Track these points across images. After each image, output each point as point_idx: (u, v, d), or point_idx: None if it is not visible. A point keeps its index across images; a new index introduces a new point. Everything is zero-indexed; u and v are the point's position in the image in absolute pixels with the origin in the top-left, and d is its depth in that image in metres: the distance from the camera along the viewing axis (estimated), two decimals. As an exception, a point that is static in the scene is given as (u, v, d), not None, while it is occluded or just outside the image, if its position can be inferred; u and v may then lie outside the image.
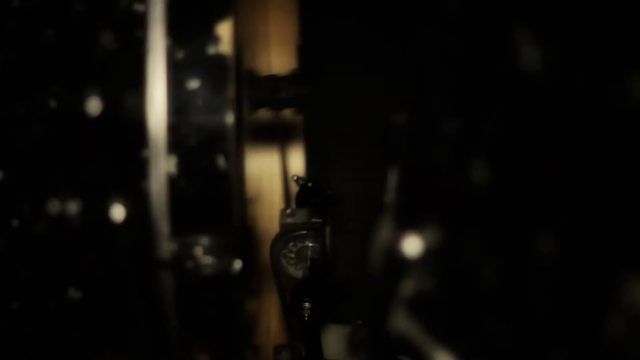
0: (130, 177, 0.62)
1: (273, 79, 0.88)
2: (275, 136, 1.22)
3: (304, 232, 0.98)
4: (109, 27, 0.63)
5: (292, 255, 1.00)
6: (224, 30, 0.63)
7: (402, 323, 0.51)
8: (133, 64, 0.63)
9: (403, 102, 0.50)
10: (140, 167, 0.62)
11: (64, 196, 0.62)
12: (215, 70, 0.63)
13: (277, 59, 1.22)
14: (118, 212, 0.62)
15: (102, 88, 0.62)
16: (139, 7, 0.64)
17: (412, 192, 0.48)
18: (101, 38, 0.63)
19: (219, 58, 0.63)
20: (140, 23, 0.64)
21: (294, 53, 1.21)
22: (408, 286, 0.50)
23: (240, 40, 1.11)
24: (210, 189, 0.63)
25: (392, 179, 0.52)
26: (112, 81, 0.62)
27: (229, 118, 0.62)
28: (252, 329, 1.18)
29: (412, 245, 0.49)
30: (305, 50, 1.18)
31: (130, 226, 0.62)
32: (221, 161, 0.62)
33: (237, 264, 0.63)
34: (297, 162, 1.26)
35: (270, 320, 1.20)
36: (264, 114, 1.01)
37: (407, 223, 0.49)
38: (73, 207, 0.62)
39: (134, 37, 0.63)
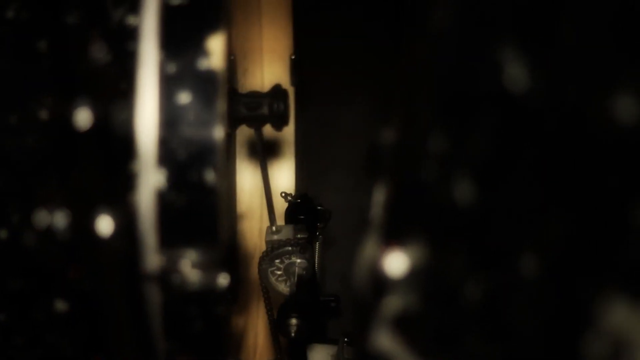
0: (119, 190, 0.62)
1: (252, 95, 0.88)
2: (267, 152, 1.22)
3: (290, 248, 0.98)
4: (102, 39, 0.63)
5: (280, 272, 1.00)
6: (216, 44, 0.63)
7: (385, 341, 0.51)
8: (124, 77, 0.63)
9: (392, 118, 0.51)
10: (129, 180, 0.62)
11: (52, 207, 0.62)
12: (206, 84, 0.63)
13: (270, 73, 1.23)
14: (106, 225, 0.62)
15: (93, 100, 0.62)
16: (132, 20, 0.64)
17: (398, 209, 0.49)
18: (93, 50, 0.63)
19: (210, 72, 0.63)
20: (132, 36, 0.64)
21: (286, 68, 1.22)
22: (392, 304, 0.50)
23: (231, 55, 1.12)
24: (198, 203, 0.63)
25: (379, 195, 0.52)
26: (103, 93, 0.62)
27: (219, 132, 0.62)
28: (239, 344, 1.18)
29: (397, 262, 0.49)
30: (298, 65, 1.19)
31: (118, 238, 0.62)
32: (210, 176, 0.62)
33: (224, 279, 0.63)
34: (288, 177, 1.26)
35: (257, 336, 1.20)
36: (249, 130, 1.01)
37: (392, 240, 0.49)
38: (61, 218, 0.62)
39: (126, 50, 0.63)
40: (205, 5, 0.64)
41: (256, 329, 1.19)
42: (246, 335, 1.19)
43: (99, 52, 0.63)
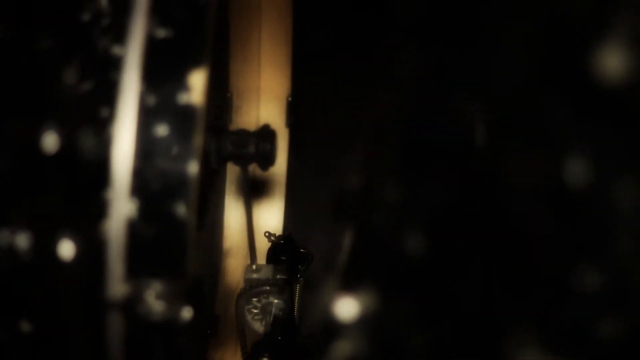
0: (89, 216, 0.62)
1: (240, 133, 0.89)
2: (257, 190, 1.22)
3: (268, 288, 0.98)
4: (85, 65, 0.64)
5: (257, 311, 1.00)
6: (197, 80, 0.63)
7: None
8: (104, 105, 0.63)
9: (353, 163, 0.51)
10: (100, 207, 0.62)
11: (16, 229, 0.62)
12: (184, 119, 0.63)
13: (266, 113, 1.23)
14: (69, 249, 0.62)
15: (68, 125, 0.63)
16: (117, 50, 0.65)
17: (353, 255, 0.49)
18: (75, 76, 0.64)
19: (189, 107, 0.63)
20: (116, 65, 0.64)
21: (282, 108, 1.22)
22: (342, 348, 0.50)
23: (228, 92, 1.13)
24: (167, 236, 0.63)
25: (345, 241, 0.53)
26: (81, 119, 0.63)
27: (193, 167, 0.62)
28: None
29: (348, 307, 0.50)
30: (294, 106, 1.19)
31: (83, 264, 0.63)
32: (181, 209, 0.62)
33: (188, 313, 0.64)
34: (276, 218, 1.27)
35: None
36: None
37: (346, 285, 0.50)
38: (24, 240, 0.62)
39: (108, 79, 0.64)
40: (190, 41, 0.65)
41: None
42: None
43: (81, 79, 0.64)
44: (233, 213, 1.16)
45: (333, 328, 0.52)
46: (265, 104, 1.22)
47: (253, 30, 1.19)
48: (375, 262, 0.51)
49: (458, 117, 0.48)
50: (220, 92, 1.01)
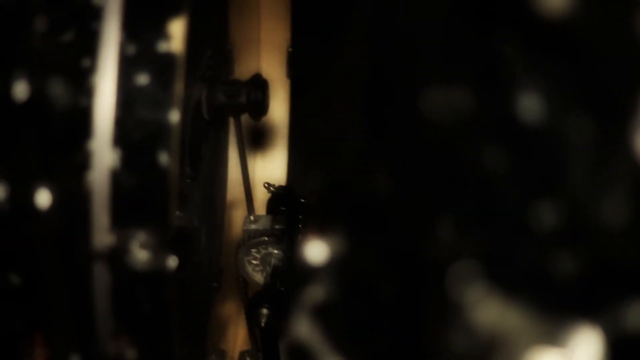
0: (72, 166, 0.62)
1: (232, 83, 0.88)
2: (259, 142, 1.22)
3: (266, 238, 0.98)
4: (65, 15, 0.64)
5: (256, 262, 1.00)
6: (177, 28, 0.63)
7: (304, 329, 0.51)
8: (85, 55, 0.63)
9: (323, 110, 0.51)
10: (83, 157, 0.62)
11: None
12: (164, 67, 0.63)
13: (267, 64, 1.23)
14: (47, 199, 0.62)
15: (50, 75, 0.62)
16: (97, 0, 0.64)
17: (320, 200, 0.49)
18: (55, 26, 0.63)
19: (170, 56, 0.63)
20: (96, 15, 0.64)
21: (284, 59, 1.22)
22: (312, 293, 0.50)
23: (228, 44, 1.12)
24: (150, 185, 0.63)
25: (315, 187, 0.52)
26: (61, 69, 0.63)
27: (174, 116, 0.62)
28: (221, 334, 1.18)
29: (317, 251, 0.49)
30: (295, 57, 1.19)
31: (68, 215, 0.63)
32: (163, 158, 0.62)
33: (173, 262, 0.64)
34: (279, 169, 1.26)
35: (238, 326, 1.20)
36: (247, 120, 1.01)
37: (315, 229, 0.49)
38: (2, 192, 0.63)
39: (89, 29, 0.64)
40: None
41: (237, 319, 1.19)
42: (227, 325, 1.19)
43: (61, 29, 0.64)
44: (236, 166, 1.15)
45: (303, 272, 0.51)
46: (266, 55, 1.21)
47: (252, -19, 1.18)
48: (343, 206, 0.50)
49: (418, 61, 0.47)
50: (216, 43, 1.00)
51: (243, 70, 1.18)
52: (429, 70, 0.47)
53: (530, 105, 0.44)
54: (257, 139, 1.21)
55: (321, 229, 0.49)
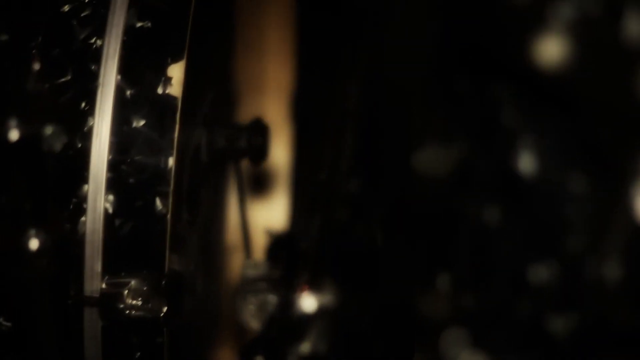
0: (64, 210, 0.62)
1: (232, 126, 0.88)
2: (260, 186, 1.21)
3: (264, 284, 0.97)
4: (64, 56, 0.63)
5: (253, 308, 0.99)
6: (176, 71, 0.63)
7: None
8: (82, 97, 0.63)
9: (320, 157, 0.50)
10: (78, 201, 0.62)
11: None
12: (162, 111, 0.63)
13: (270, 107, 1.22)
14: (44, 244, 0.61)
15: (45, 118, 0.62)
16: (96, 42, 0.64)
17: (317, 248, 0.48)
18: (54, 67, 0.63)
19: (168, 99, 0.62)
20: (94, 57, 0.64)
21: (287, 103, 1.21)
22: (304, 344, 0.49)
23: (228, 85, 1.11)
24: (144, 231, 0.62)
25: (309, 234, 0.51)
26: (59, 112, 0.62)
27: (171, 161, 0.62)
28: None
29: (309, 302, 0.48)
30: (298, 102, 1.18)
31: (58, 259, 0.62)
32: (159, 204, 0.62)
33: (166, 308, 0.63)
34: (280, 214, 1.26)
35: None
36: (248, 163, 1.00)
37: (308, 280, 0.49)
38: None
39: (87, 70, 0.63)
40: (169, 33, 0.64)
41: (233, 365, 1.18)
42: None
43: (59, 71, 0.63)
44: (236, 210, 1.14)
45: (294, 321, 0.51)
46: (268, 98, 1.21)
47: (256, 24, 1.18)
48: (335, 256, 0.49)
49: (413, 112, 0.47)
50: (218, 86, 1.00)
51: (245, 113, 1.18)
52: (424, 123, 0.46)
53: (527, 162, 0.43)
54: (257, 183, 1.20)
55: (315, 280, 0.48)
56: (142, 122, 0.62)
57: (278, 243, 1.06)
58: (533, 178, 0.44)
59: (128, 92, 0.62)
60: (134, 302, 0.62)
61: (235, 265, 1.19)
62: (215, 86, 0.97)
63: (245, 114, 1.18)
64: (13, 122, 0.62)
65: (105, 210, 0.61)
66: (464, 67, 0.44)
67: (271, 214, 1.23)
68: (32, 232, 0.61)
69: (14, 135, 0.61)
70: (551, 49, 0.43)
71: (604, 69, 0.45)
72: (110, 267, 0.62)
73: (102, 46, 0.63)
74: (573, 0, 0.42)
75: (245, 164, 1.00)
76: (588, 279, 0.45)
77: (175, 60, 0.62)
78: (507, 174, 0.44)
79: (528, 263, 0.43)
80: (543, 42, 0.43)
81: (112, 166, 0.62)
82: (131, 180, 0.62)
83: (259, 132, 0.88)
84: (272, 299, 0.99)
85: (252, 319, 1.00)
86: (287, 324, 0.97)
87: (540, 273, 0.45)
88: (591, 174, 0.45)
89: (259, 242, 1.14)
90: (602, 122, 0.46)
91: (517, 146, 0.44)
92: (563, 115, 0.43)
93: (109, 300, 0.62)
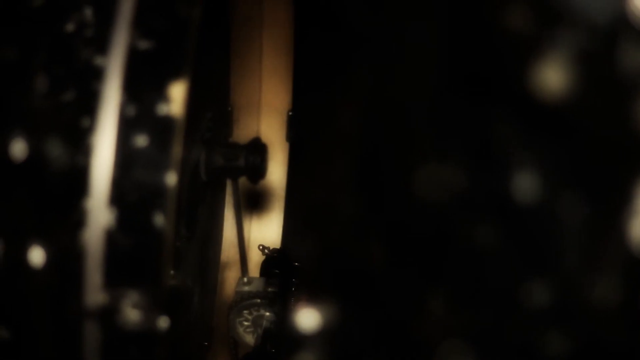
0: (67, 225, 0.63)
1: (231, 146, 0.89)
2: (256, 204, 1.22)
3: (259, 300, 0.98)
4: (67, 75, 0.64)
5: (248, 323, 1.00)
6: (177, 91, 0.64)
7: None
8: (85, 115, 0.64)
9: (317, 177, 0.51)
10: (79, 216, 0.63)
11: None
12: (163, 129, 0.64)
13: (267, 127, 1.23)
14: (45, 258, 0.62)
15: (49, 134, 0.63)
16: (99, 61, 0.65)
17: (313, 266, 0.49)
18: (57, 85, 0.64)
19: (169, 118, 0.64)
20: (97, 76, 0.65)
21: (284, 122, 1.22)
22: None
23: (229, 106, 1.13)
24: (144, 246, 0.63)
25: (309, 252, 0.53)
26: (60, 129, 0.63)
27: (171, 178, 0.63)
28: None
29: (308, 318, 0.50)
30: (295, 120, 1.19)
31: (61, 274, 0.63)
32: (159, 219, 0.63)
33: (164, 322, 0.64)
34: (275, 232, 1.27)
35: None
36: (244, 181, 1.02)
37: (307, 295, 0.50)
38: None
39: (90, 89, 0.64)
40: (171, 53, 0.65)
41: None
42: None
43: (63, 88, 0.64)
44: (232, 226, 1.16)
45: (294, 339, 0.52)
46: (265, 118, 1.22)
47: (254, 44, 1.19)
48: (335, 275, 0.51)
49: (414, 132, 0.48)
50: (216, 105, 1.01)
51: (242, 132, 1.19)
52: (423, 145, 0.48)
53: (523, 184, 0.45)
54: (253, 201, 1.22)
55: (313, 296, 0.49)
56: (143, 140, 0.63)
57: (273, 260, 1.07)
58: (529, 201, 0.46)
59: (130, 111, 0.63)
60: (133, 315, 0.63)
61: (231, 280, 1.21)
62: (213, 106, 0.99)
63: (242, 134, 1.19)
64: (17, 138, 0.62)
65: (106, 225, 0.62)
66: (464, 92, 0.46)
67: (267, 231, 1.24)
68: (34, 245, 0.62)
69: (17, 150, 0.62)
70: (549, 77, 0.45)
71: (600, 97, 0.46)
72: (110, 281, 0.63)
73: (104, 65, 0.64)
74: (571, 31, 0.44)
75: (242, 181, 1.01)
76: (582, 300, 0.46)
77: (176, 79, 0.63)
78: (503, 197, 0.45)
79: (523, 284, 0.45)
80: (541, 71, 0.45)
81: (113, 182, 0.62)
82: (132, 197, 0.63)
83: (257, 151, 0.89)
84: (266, 314, 1.01)
85: (246, 334, 1.02)
86: (281, 339, 0.99)
87: (535, 294, 0.46)
88: (586, 198, 0.46)
89: (254, 259, 1.15)
90: (598, 148, 0.47)
91: (513, 170, 0.45)
92: (559, 141, 0.45)
93: (108, 314, 0.63)
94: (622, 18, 0.45)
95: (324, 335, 0.50)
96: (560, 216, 0.46)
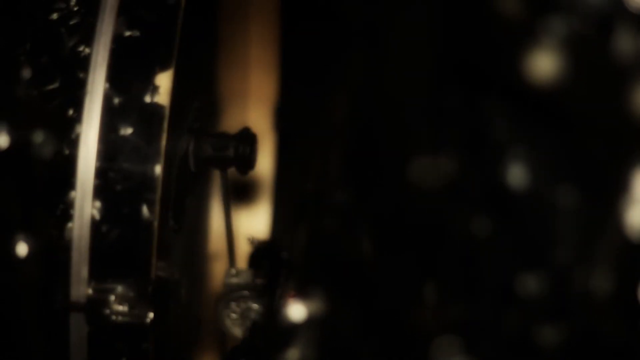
0: (53, 217, 0.62)
1: (220, 136, 0.88)
2: (243, 195, 1.22)
3: (247, 292, 0.97)
4: (52, 64, 0.64)
5: (236, 316, 0.99)
6: (163, 80, 0.63)
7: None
8: (70, 104, 0.63)
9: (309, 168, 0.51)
10: (64, 208, 0.62)
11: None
12: (149, 119, 0.63)
13: (254, 117, 1.23)
14: (29, 250, 0.62)
15: (33, 124, 0.62)
16: (84, 50, 0.64)
17: (305, 258, 0.48)
18: (42, 74, 0.63)
19: (155, 108, 0.63)
20: (82, 65, 0.64)
21: (271, 112, 1.22)
22: (291, 352, 0.50)
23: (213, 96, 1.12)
24: (131, 237, 0.63)
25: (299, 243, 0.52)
26: (45, 118, 0.62)
27: (158, 168, 0.62)
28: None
29: (297, 310, 0.49)
30: (282, 111, 1.19)
31: (45, 265, 0.62)
32: (145, 211, 0.62)
33: (151, 315, 0.63)
34: (262, 223, 1.26)
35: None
36: (233, 172, 1.01)
37: (296, 287, 0.49)
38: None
39: (75, 78, 0.64)
40: (157, 42, 0.64)
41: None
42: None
43: (48, 78, 0.64)
44: (219, 217, 1.15)
45: (283, 331, 0.51)
46: (252, 108, 1.21)
47: (241, 34, 1.18)
48: (326, 265, 0.50)
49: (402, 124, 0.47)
50: (203, 95, 1.00)
51: (230, 122, 1.18)
52: (416, 135, 0.47)
53: (517, 174, 0.44)
54: (241, 192, 1.21)
55: (302, 288, 0.48)
56: (129, 130, 0.62)
57: (261, 251, 1.06)
58: (523, 191, 0.45)
59: (116, 100, 0.62)
60: (120, 308, 0.63)
61: (219, 272, 1.20)
62: (201, 95, 0.98)
63: (230, 123, 1.18)
64: (2, 128, 0.62)
65: (92, 216, 0.61)
66: (456, 80, 0.45)
67: (255, 222, 1.23)
68: (20, 237, 0.61)
69: (2, 141, 0.62)
70: (543, 65, 0.44)
71: (594, 84, 0.46)
72: (97, 273, 0.62)
73: (90, 54, 0.64)
74: (564, 17, 0.43)
75: (230, 172, 1.01)
76: (577, 290, 0.45)
77: (163, 69, 0.63)
78: (497, 187, 0.44)
79: (517, 274, 0.44)
80: (535, 58, 0.44)
81: (100, 173, 0.62)
82: (118, 188, 0.62)
83: (247, 141, 0.88)
84: (254, 306, 1.00)
85: (234, 326, 1.01)
86: (271, 331, 0.98)
87: (529, 284, 0.45)
88: (581, 187, 0.46)
89: (243, 250, 1.14)
90: (592, 136, 0.47)
91: (507, 159, 0.44)
92: (554, 129, 0.44)
93: (95, 306, 0.63)
94: (617, 2, 0.44)
95: (314, 326, 0.49)
96: (555, 206, 0.45)
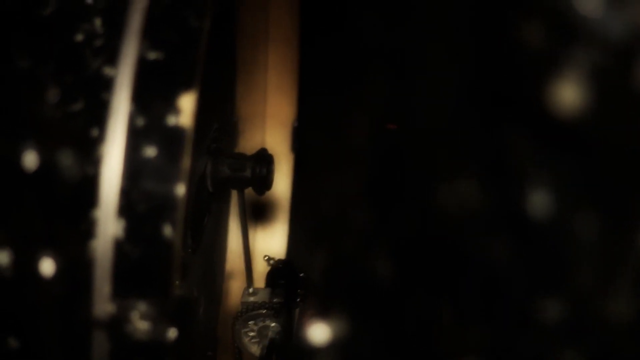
0: (75, 235, 0.63)
1: (237, 156, 0.89)
2: (261, 215, 1.23)
3: (264, 311, 0.98)
4: (76, 85, 0.65)
5: (253, 334, 1.00)
6: (186, 102, 0.64)
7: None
8: (94, 125, 0.64)
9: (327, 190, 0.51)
10: (88, 227, 0.63)
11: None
12: (172, 140, 0.64)
13: (272, 138, 1.24)
14: (54, 268, 0.62)
15: (58, 144, 0.63)
16: (108, 71, 0.65)
17: (327, 280, 0.49)
18: (66, 95, 0.64)
19: (178, 129, 0.64)
20: (107, 86, 0.65)
21: (289, 133, 1.23)
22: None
23: (234, 117, 1.13)
24: (153, 257, 0.64)
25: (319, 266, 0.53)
26: (70, 139, 0.63)
27: (181, 189, 0.63)
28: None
29: (319, 332, 0.50)
30: (300, 132, 1.20)
31: (70, 284, 0.63)
32: (167, 230, 0.63)
33: (172, 333, 0.64)
34: (279, 242, 1.27)
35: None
36: (250, 191, 1.02)
37: (317, 308, 0.50)
38: (4, 257, 0.63)
39: (99, 99, 0.64)
40: (180, 64, 0.65)
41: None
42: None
43: (72, 98, 0.64)
44: (236, 236, 1.16)
45: (301, 350, 0.52)
46: (270, 129, 1.22)
47: (260, 56, 1.19)
48: (346, 288, 0.51)
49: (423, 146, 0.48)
50: (222, 116, 1.02)
51: (248, 144, 1.19)
52: (438, 160, 0.48)
53: (538, 200, 0.45)
54: (258, 212, 1.22)
55: (319, 308, 0.49)
56: (152, 151, 0.63)
57: (278, 270, 1.07)
58: (544, 216, 0.46)
59: (139, 121, 0.63)
60: (142, 325, 0.63)
61: (236, 291, 1.21)
62: (219, 116, 0.99)
63: (247, 145, 1.19)
64: (27, 148, 0.63)
65: (115, 235, 0.62)
66: (480, 107, 0.46)
67: (272, 242, 1.24)
68: (44, 255, 0.62)
69: (28, 160, 0.62)
70: (565, 94, 0.45)
71: (616, 113, 0.47)
72: (119, 290, 0.63)
73: (114, 75, 0.65)
74: (586, 48, 0.44)
75: (247, 192, 1.02)
76: (596, 316, 0.46)
77: (186, 91, 0.64)
78: (518, 212, 0.45)
79: (537, 299, 0.45)
80: (558, 87, 0.45)
81: (123, 193, 0.63)
82: (141, 207, 0.63)
83: (264, 162, 0.89)
84: (271, 325, 1.01)
85: (251, 344, 1.02)
86: (287, 350, 0.99)
87: (550, 309, 0.46)
88: (602, 214, 0.47)
89: (260, 270, 1.15)
90: (613, 164, 0.47)
91: (529, 186, 0.45)
92: (575, 156, 0.45)
93: (117, 323, 0.63)
94: (637, 34, 0.45)
95: (332, 347, 0.50)
96: (575, 232, 0.46)
